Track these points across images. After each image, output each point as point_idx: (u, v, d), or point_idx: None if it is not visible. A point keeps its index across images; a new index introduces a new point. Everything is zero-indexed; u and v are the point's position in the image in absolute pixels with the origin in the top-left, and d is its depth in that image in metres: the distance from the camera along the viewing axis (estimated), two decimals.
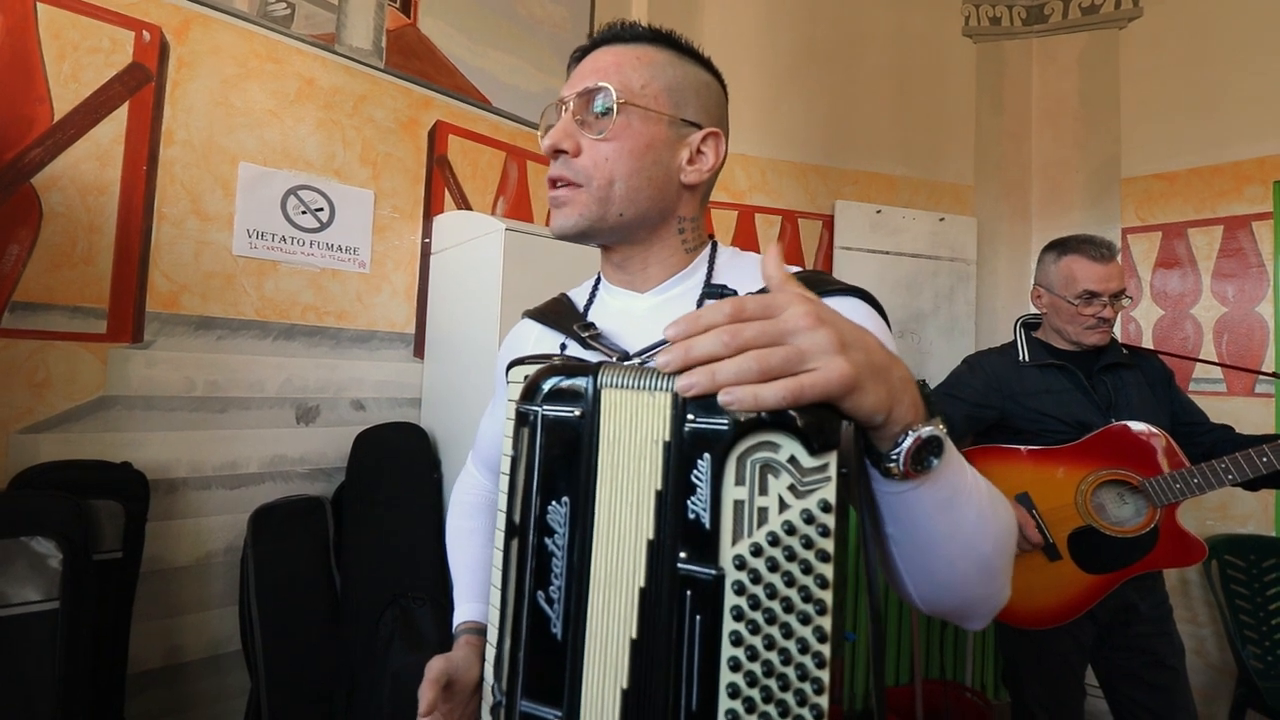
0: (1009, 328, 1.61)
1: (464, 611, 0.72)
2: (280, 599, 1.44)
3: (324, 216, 1.67)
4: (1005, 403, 1.45)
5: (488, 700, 0.49)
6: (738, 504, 0.39)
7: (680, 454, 0.40)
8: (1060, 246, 1.47)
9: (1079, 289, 1.39)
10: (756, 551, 0.38)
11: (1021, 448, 1.42)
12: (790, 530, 0.37)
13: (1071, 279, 1.40)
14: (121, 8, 1.38)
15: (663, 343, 0.60)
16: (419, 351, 1.86)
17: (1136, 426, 1.34)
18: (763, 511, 0.38)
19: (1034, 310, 1.57)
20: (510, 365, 0.51)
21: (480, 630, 0.69)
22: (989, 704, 2.15)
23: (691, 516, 0.40)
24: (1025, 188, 2.81)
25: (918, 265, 2.66)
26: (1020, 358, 1.49)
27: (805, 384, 0.36)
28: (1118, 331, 1.41)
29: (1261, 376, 2.21)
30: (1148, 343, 2.46)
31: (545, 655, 0.44)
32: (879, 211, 2.65)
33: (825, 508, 0.37)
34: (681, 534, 0.40)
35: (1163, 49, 2.54)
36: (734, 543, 0.39)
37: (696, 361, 0.38)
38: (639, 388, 0.43)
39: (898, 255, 2.65)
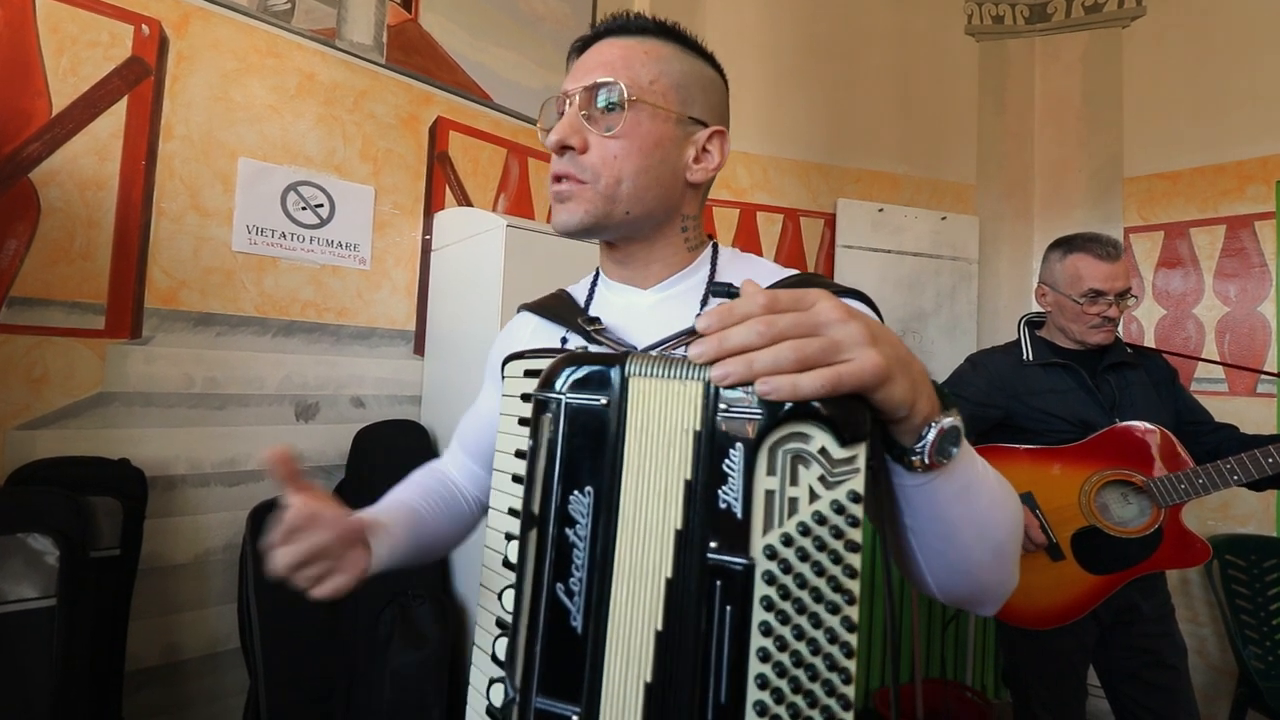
0: (1011, 327, 1.60)
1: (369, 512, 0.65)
2: (279, 597, 1.42)
3: (324, 213, 1.67)
4: (1009, 402, 1.44)
5: (480, 690, 0.48)
6: (769, 494, 0.39)
7: (712, 444, 0.40)
8: (1066, 244, 1.46)
9: (1084, 287, 1.38)
10: (787, 541, 0.38)
11: (1025, 447, 1.41)
12: (821, 520, 0.38)
13: (1077, 277, 1.39)
14: (120, 1, 1.36)
15: (673, 337, 0.60)
16: (419, 349, 1.85)
17: (1140, 426, 1.34)
18: (793, 502, 0.39)
19: (1036, 309, 1.56)
20: (506, 360, 0.50)
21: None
22: (989, 704, 2.14)
23: (723, 506, 0.40)
24: (1027, 187, 2.81)
25: (919, 264, 2.66)
26: (1024, 357, 1.48)
27: (843, 373, 0.37)
28: (1120, 331, 1.40)
29: (1263, 376, 2.21)
30: (1150, 342, 2.46)
31: (564, 649, 0.43)
32: (881, 210, 2.65)
33: (854, 498, 0.37)
34: (712, 524, 0.40)
35: (1166, 48, 2.53)
36: (765, 532, 0.39)
37: (731, 351, 0.38)
38: (669, 377, 0.42)
39: (900, 254, 2.64)
